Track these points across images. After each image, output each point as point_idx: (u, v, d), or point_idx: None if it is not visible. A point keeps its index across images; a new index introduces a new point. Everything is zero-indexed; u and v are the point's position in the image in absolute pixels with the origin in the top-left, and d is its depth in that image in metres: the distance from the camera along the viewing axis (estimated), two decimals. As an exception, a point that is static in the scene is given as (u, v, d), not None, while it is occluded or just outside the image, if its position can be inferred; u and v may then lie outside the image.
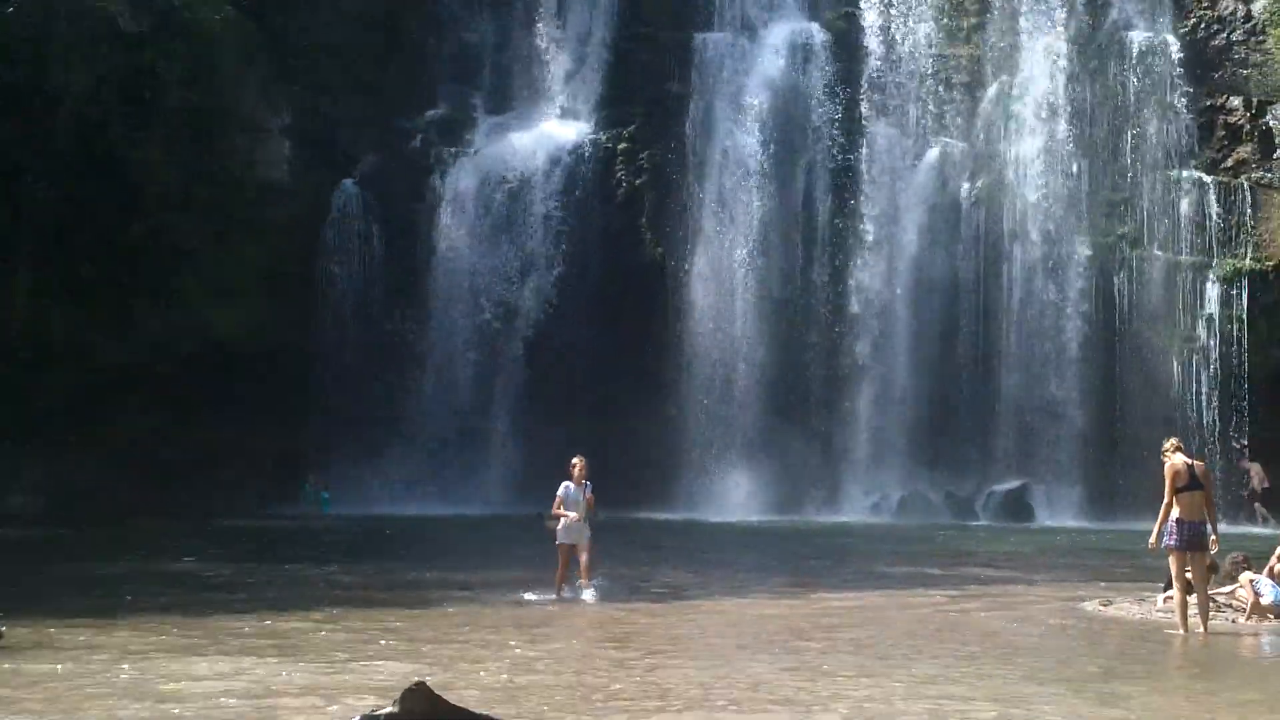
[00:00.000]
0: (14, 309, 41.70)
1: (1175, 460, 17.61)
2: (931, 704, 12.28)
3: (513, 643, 16.26)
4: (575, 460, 21.60)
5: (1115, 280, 46.25)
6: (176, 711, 11.74)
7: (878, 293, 48.02)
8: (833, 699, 12.42)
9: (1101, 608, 19.95)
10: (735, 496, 45.34)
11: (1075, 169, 47.48)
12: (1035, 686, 13.31)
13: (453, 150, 50.65)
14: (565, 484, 21.41)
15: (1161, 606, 19.24)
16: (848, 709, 11.89)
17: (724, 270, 48.55)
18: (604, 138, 49.92)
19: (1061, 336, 46.53)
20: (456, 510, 42.75)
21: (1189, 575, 17.79)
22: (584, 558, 21.12)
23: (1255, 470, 43.66)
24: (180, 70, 44.61)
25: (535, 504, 40.94)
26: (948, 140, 49.39)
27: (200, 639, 16.27)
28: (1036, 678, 13.93)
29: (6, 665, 14.20)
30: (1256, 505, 43.17)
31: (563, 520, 21.17)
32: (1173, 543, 17.46)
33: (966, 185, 48.53)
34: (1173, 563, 17.72)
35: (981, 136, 49.01)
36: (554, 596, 20.66)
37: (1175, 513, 17.39)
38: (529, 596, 20.78)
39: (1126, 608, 19.77)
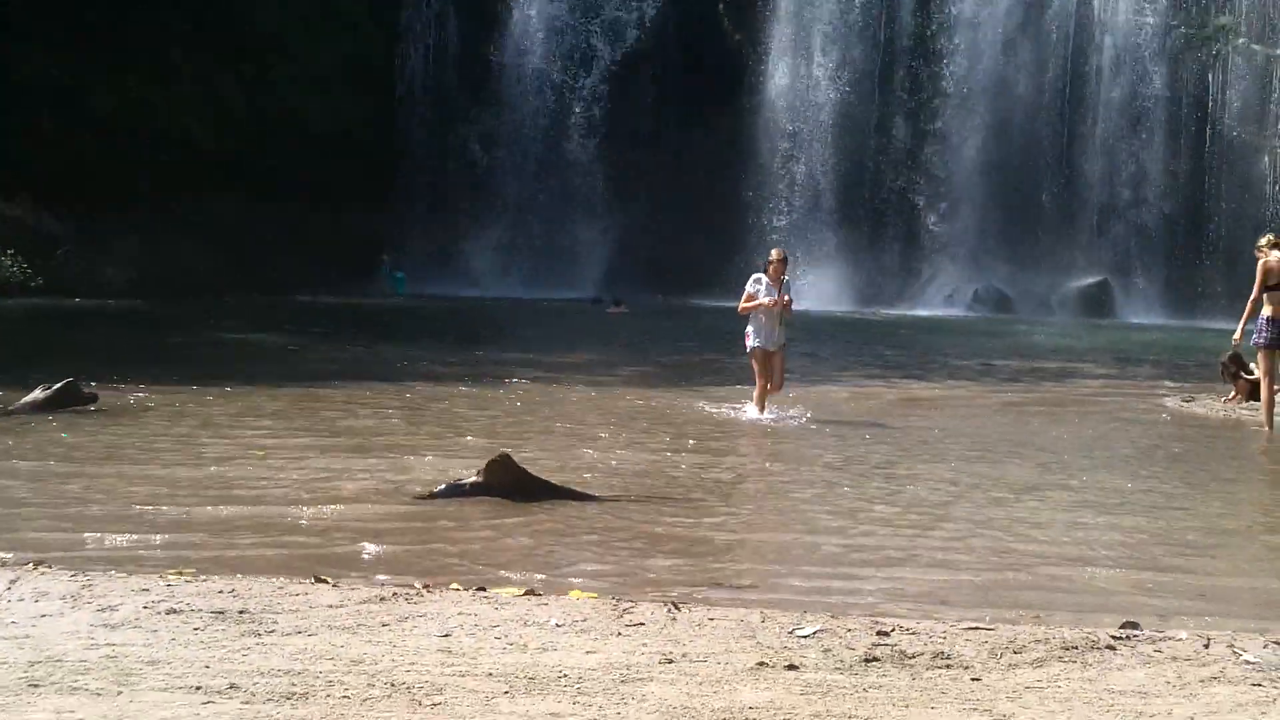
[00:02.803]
0: (104, 90, 41.79)
1: (1270, 257, 17.16)
2: (1032, 499, 12.29)
3: (601, 431, 16.31)
4: (773, 254, 17.70)
5: (1209, 74, 44.94)
6: (266, 487, 11.86)
7: (959, 80, 46.98)
8: (967, 508, 12.39)
9: (1184, 404, 19.77)
10: (809, 288, 45.12)
11: (1174, -46, 45.81)
12: (1126, 482, 13.20)
13: (526, -69, 49.84)
14: (757, 277, 17.40)
15: (1244, 404, 19.02)
16: (973, 515, 11.85)
17: (803, 59, 47.62)
18: (681, -83, 48.76)
19: (1149, 130, 45.44)
20: (528, 294, 42.99)
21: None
22: (773, 383, 17.22)
23: None
24: None
25: (605, 290, 41.50)
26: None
27: (284, 409, 16.47)
28: (1127, 474, 13.80)
29: (100, 428, 14.45)
30: None
31: (750, 324, 17.32)
32: (1261, 340, 17.15)
33: (1057, -31, 47.02)
34: (1260, 360, 17.41)
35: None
36: (758, 414, 17.05)
37: (1266, 310, 17.02)
38: (712, 409, 17.59)
39: (1209, 404, 19.57)
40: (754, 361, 17.24)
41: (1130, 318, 42.94)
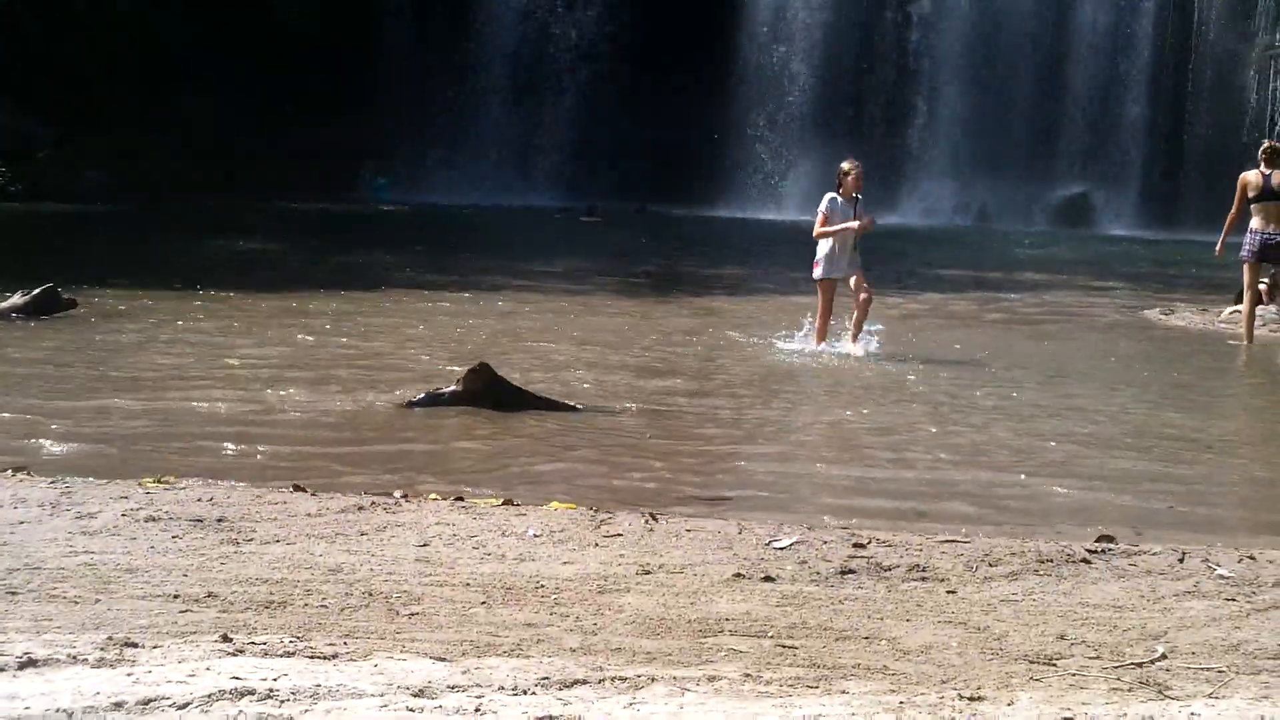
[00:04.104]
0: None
1: (1249, 171, 17.15)
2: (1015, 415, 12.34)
3: (582, 341, 16.32)
4: (846, 166, 15.35)
5: (1195, -18, 44.59)
6: (244, 394, 11.86)
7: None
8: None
9: (1163, 316, 19.82)
10: (789, 195, 44.99)
11: None
12: (1104, 395, 13.23)
13: None
14: (830, 196, 15.20)
15: (1225, 317, 19.09)
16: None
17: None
18: None
19: (1133, 40, 45.12)
20: (511, 202, 42.80)
21: (1263, 286, 17.63)
22: (862, 296, 15.10)
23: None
24: None
25: (586, 198, 41.31)
26: None
27: (262, 316, 16.43)
28: (1105, 387, 13.82)
29: (77, 334, 14.41)
30: None
31: (822, 249, 15.20)
32: (1245, 253, 17.14)
33: None
34: (1246, 273, 17.38)
35: None
36: (816, 347, 15.24)
37: (1253, 222, 17.00)
38: (782, 345, 15.54)
39: (1189, 317, 19.63)
40: (820, 293, 15.31)
41: (1110, 229, 42.87)
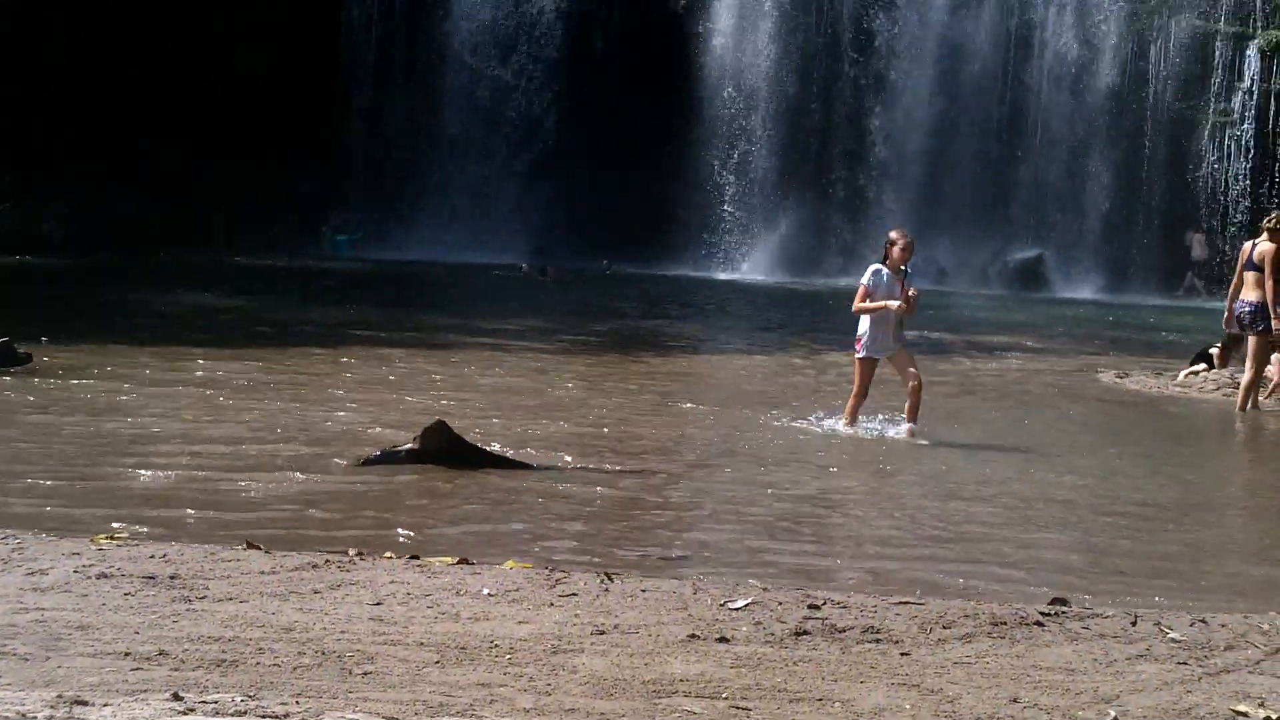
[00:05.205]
0: (51, 40, 41.27)
1: (1246, 243, 17.61)
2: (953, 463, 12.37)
3: (541, 399, 16.31)
4: (894, 235, 14.25)
5: (1151, 49, 45.08)
6: (199, 452, 11.80)
7: (903, 51, 46.91)
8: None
9: (1119, 380, 19.97)
10: (751, 257, 45.17)
11: (1116, -72, 45.78)
12: (1058, 458, 13.30)
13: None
14: (875, 268, 14.07)
15: (1180, 380, 19.30)
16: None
17: (746, 25, 47.42)
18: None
19: (1090, 105, 45.57)
20: (476, 259, 42.78)
21: (1214, 350, 18.01)
22: (912, 384, 13.96)
23: (1198, 240, 42.83)
24: None
25: (549, 257, 41.37)
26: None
27: (218, 373, 16.32)
28: (1060, 450, 13.91)
29: (32, 389, 14.31)
30: (1189, 274, 42.35)
31: (864, 325, 13.98)
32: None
33: (1000, -60, 46.88)
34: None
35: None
36: (847, 428, 14.11)
37: (1241, 292, 17.34)
38: (803, 424, 14.48)
39: (1143, 380, 19.78)
40: (858, 371, 14.10)
41: (1066, 292, 43.12)
